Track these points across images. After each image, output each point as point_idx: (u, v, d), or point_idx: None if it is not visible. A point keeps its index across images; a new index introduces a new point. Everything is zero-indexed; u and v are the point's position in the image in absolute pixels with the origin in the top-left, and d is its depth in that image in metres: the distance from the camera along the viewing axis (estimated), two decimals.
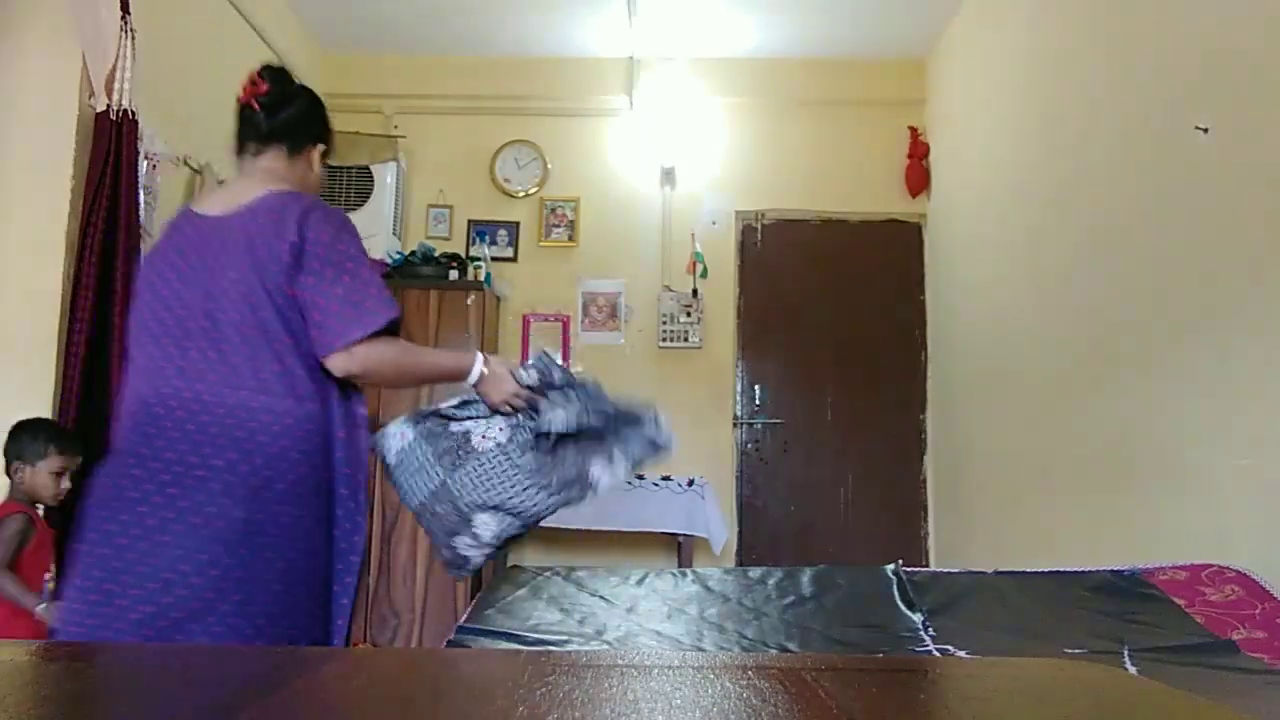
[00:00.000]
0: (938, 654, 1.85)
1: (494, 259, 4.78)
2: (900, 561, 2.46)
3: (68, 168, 2.71)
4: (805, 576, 2.35)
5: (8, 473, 2.42)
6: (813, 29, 4.64)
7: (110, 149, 2.71)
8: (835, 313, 4.87)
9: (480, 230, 4.91)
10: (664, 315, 4.81)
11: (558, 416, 1.80)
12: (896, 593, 2.23)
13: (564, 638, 1.97)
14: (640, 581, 2.36)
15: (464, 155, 4.93)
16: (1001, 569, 2.41)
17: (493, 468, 1.79)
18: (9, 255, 2.68)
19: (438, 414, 1.89)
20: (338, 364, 1.57)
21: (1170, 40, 2.58)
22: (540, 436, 1.82)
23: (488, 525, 1.79)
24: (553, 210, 4.93)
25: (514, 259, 4.90)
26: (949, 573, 2.45)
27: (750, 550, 4.72)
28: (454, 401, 1.89)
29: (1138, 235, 2.71)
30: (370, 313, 1.57)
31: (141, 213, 2.88)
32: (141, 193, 2.91)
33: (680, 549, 4.20)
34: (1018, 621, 2.04)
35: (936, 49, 4.73)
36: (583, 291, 4.88)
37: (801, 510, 4.78)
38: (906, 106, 4.88)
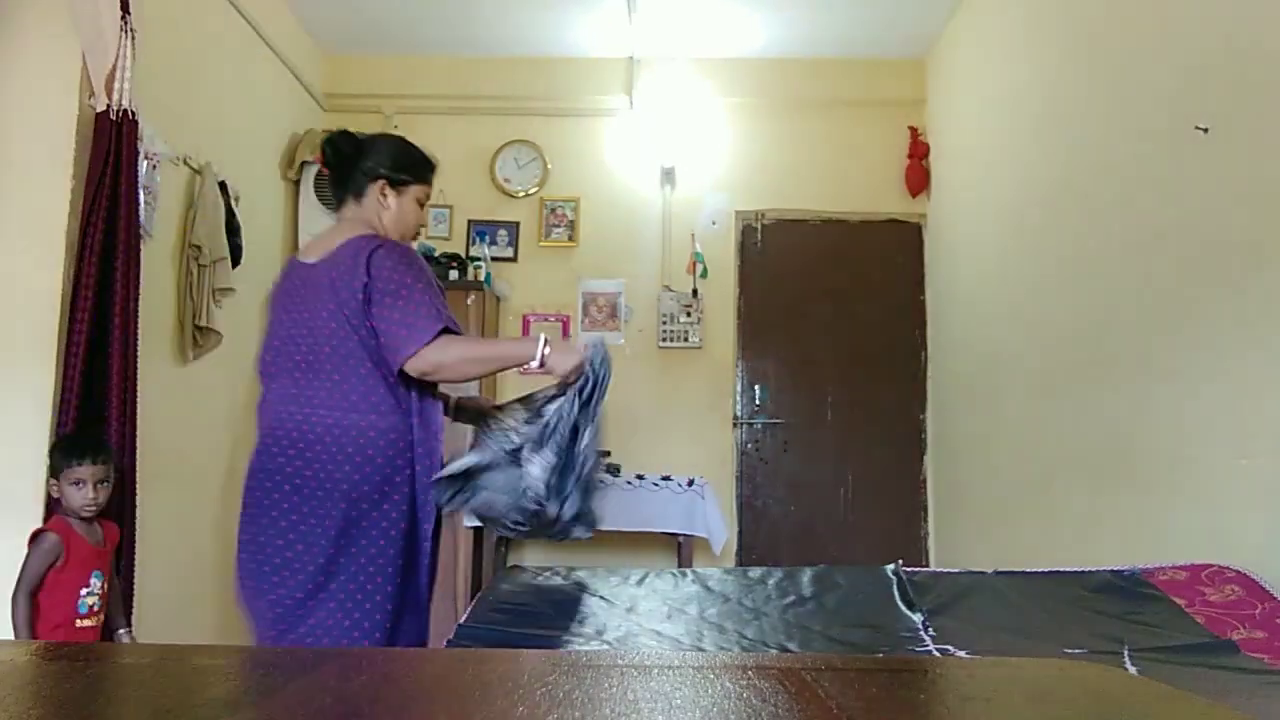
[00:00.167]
0: (938, 654, 1.85)
1: (494, 259, 4.78)
2: (900, 561, 2.46)
3: (68, 168, 2.70)
4: (805, 576, 2.35)
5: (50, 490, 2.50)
6: (813, 29, 4.64)
7: (110, 149, 2.70)
8: (835, 313, 4.87)
9: (480, 230, 4.91)
10: (664, 315, 4.81)
11: (534, 466, 1.92)
12: (896, 593, 2.23)
13: (564, 638, 1.97)
14: (640, 581, 2.36)
15: (464, 155, 4.93)
16: (1001, 569, 2.40)
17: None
18: (9, 255, 2.68)
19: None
20: (411, 368, 1.87)
21: (1170, 40, 2.58)
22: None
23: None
24: (553, 210, 4.93)
25: (514, 259, 4.90)
26: (949, 573, 2.45)
27: (750, 550, 4.73)
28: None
29: (1137, 235, 2.71)
30: (420, 330, 1.86)
31: (141, 212, 2.87)
32: (141, 193, 2.91)
33: (680, 549, 4.20)
34: (1018, 621, 2.04)
35: (936, 49, 4.73)
36: (583, 291, 4.88)
37: (801, 510, 4.78)
38: (906, 106, 4.89)
